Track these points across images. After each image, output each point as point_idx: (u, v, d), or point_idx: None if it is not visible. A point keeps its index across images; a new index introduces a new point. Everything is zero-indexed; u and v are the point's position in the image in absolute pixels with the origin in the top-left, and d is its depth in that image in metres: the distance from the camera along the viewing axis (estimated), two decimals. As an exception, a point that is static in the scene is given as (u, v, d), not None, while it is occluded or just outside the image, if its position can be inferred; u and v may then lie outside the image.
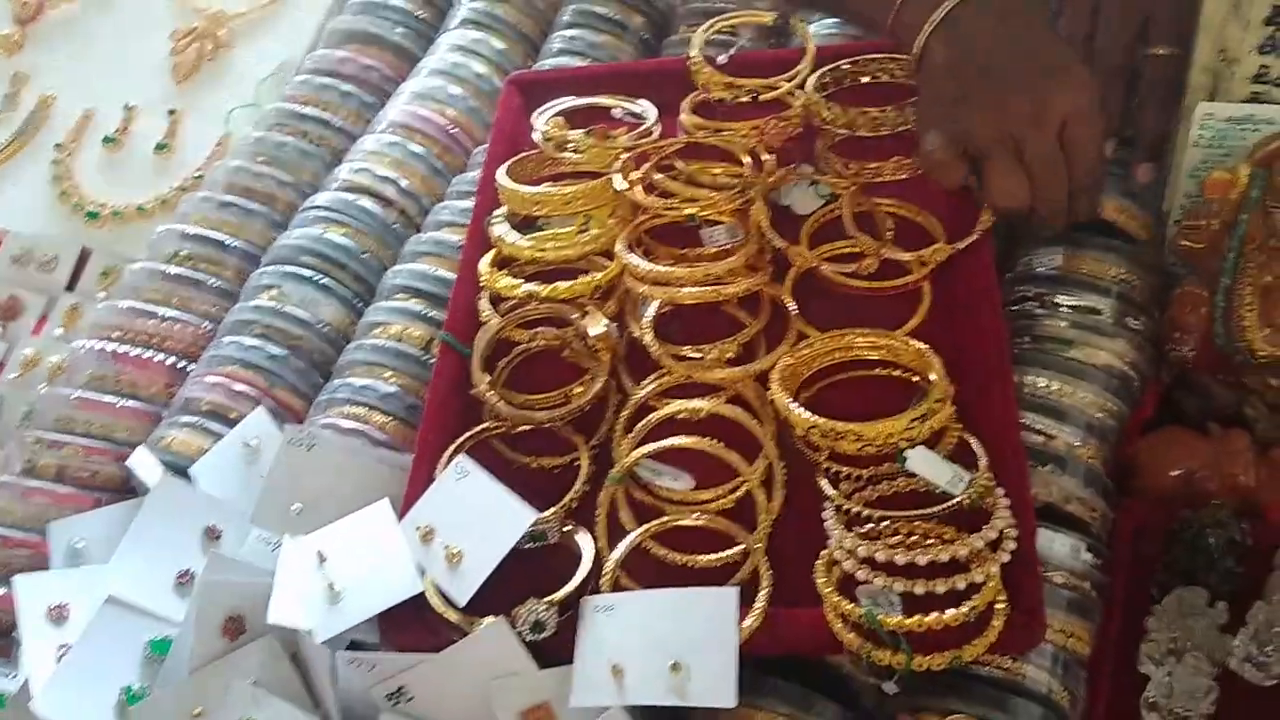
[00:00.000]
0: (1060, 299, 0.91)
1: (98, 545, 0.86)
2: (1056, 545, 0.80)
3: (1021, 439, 0.80)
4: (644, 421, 0.83)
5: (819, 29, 1.12)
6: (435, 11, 1.26)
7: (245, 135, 1.15)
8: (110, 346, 1.00)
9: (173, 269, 1.04)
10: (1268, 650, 0.78)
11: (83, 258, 1.17)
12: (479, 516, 0.78)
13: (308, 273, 1.02)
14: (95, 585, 0.82)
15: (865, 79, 1.03)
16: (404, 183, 1.08)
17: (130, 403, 0.98)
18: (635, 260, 0.88)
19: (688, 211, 0.91)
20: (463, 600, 0.76)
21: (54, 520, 0.90)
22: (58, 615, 0.81)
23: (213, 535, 0.85)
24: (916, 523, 0.76)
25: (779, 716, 0.75)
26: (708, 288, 0.86)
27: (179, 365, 1.01)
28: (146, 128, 1.25)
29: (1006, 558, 0.72)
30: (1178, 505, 0.85)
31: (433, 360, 0.96)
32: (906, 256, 0.89)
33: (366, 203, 1.06)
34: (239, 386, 0.95)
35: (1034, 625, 0.73)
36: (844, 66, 1.03)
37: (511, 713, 0.74)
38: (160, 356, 1.01)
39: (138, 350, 1.00)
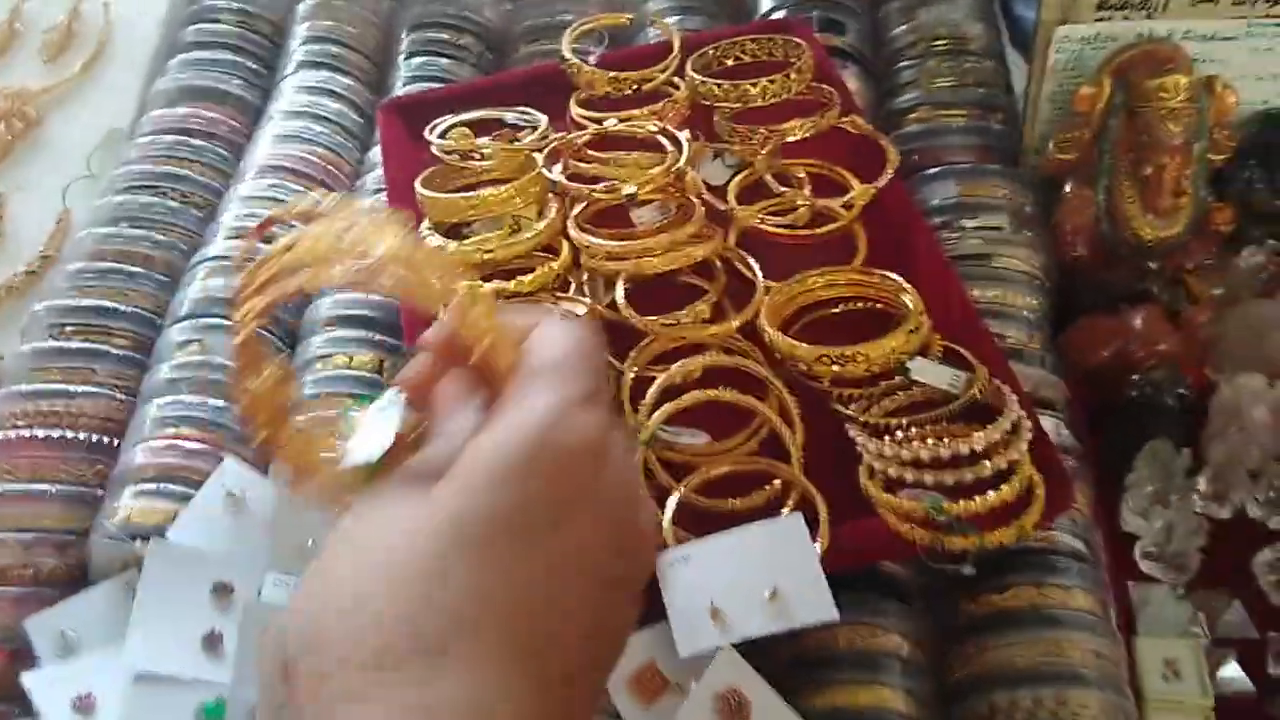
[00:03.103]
0: (965, 222, 1.00)
1: (91, 630, 0.78)
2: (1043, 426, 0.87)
3: (992, 339, 0.88)
4: (651, 390, 0.84)
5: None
6: (264, 62, 1.23)
7: (96, 204, 1.07)
8: (19, 433, 0.91)
9: (68, 344, 0.96)
10: (1229, 483, 0.88)
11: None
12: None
13: (226, 322, 0.96)
14: (113, 667, 0.74)
15: (730, 61, 1.10)
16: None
17: (57, 488, 0.89)
18: (596, 240, 0.90)
19: (626, 191, 0.94)
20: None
21: (5, 625, 0.81)
22: (85, 706, 0.73)
23: (225, 591, 0.79)
24: (933, 425, 0.81)
25: (865, 625, 0.77)
26: (677, 253, 0.89)
27: (98, 440, 0.93)
28: (-35, 216, 1.15)
29: (1029, 436, 0.79)
30: (1112, 379, 0.94)
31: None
32: (834, 204, 0.95)
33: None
34: (192, 445, 0.88)
35: (1066, 491, 0.80)
36: (709, 52, 1.09)
37: (620, 679, 0.73)
38: (74, 434, 0.92)
39: (48, 432, 0.91)
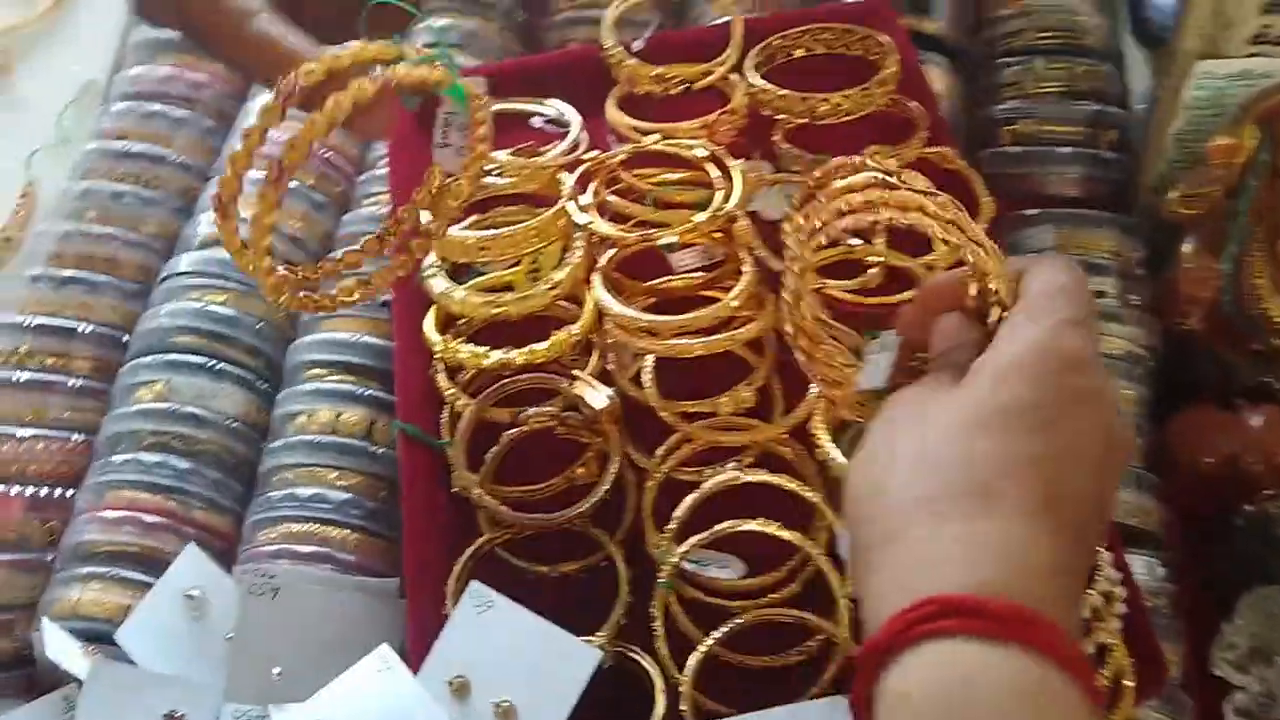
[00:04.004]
0: (1062, 284, 0.85)
1: (22, 761, 0.69)
2: (1135, 568, 0.75)
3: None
4: (679, 511, 0.71)
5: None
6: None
7: (62, 187, 0.94)
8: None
9: (17, 374, 0.84)
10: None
11: None
12: (522, 659, 0.66)
13: (194, 358, 0.84)
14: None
15: (799, 52, 0.93)
16: (285, 227, 0.91)
17: (3, 554, 0.79)
18: (624, 310, 0.76)
19: (664, 242, 0.79)
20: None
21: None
22: None
23: (175, 722, 0.69)
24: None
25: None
26: (720, 336, 0.75)
27: (45, 494, 0.82)
28: (-81, 180, 1.01)
29: (1122, 610, 0.66)
30: (1219, 490, 0.81)
31: (379, 450, 0.81)
32: (914, 263, 0.80)
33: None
34: (150, 518, 0.77)
35: (1159, 674, 0.67)
36: (774, 42, 0.92)
37: None
38: (19, 489, 0.81)
39: (-14, 486, 0.80)
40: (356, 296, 0.62)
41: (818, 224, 0.54)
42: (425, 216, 0.66)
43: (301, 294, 0.60)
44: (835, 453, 0.71)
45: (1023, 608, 0.41)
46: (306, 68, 0.51)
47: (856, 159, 0.82)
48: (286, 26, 0.53)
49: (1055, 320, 0.47)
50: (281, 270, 0.60)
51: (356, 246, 0.65)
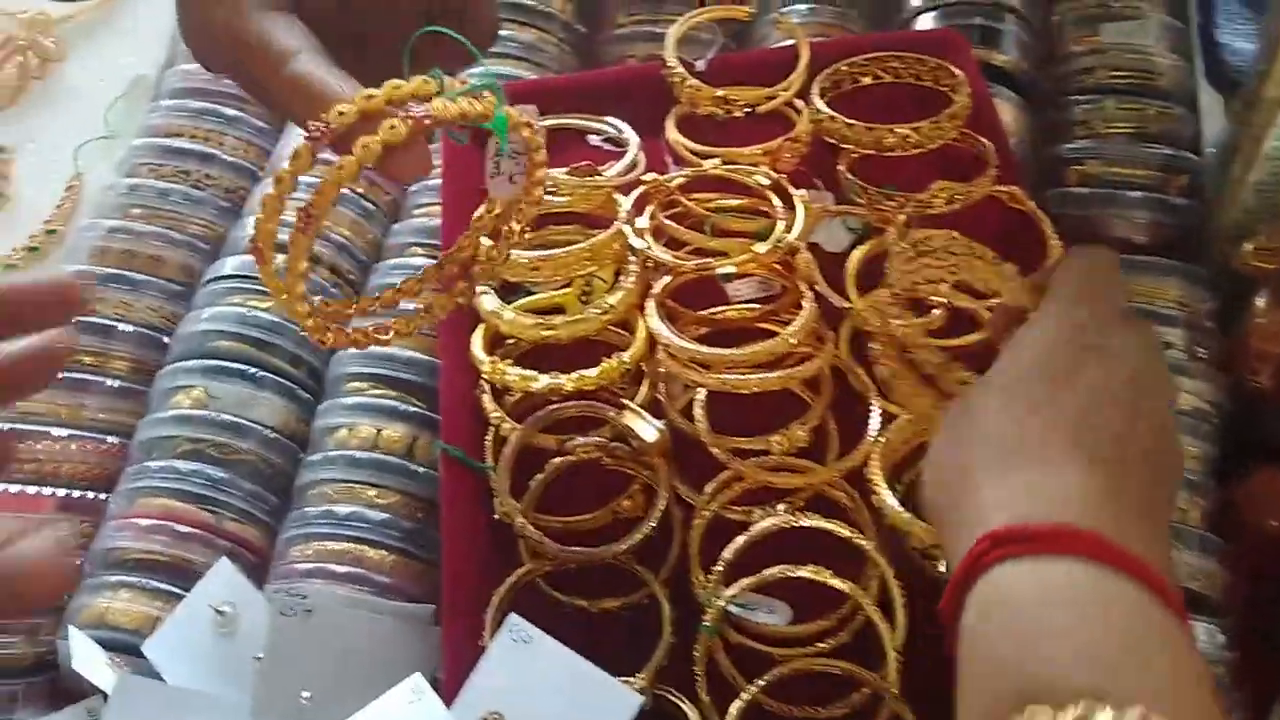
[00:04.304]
0: (1128, 334, 0.82)
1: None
2: (1196, 635, 0.72)
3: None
4: (727, 553, 0.69)
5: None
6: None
7: (108, 181, 0.92)
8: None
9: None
10: None
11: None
12: (560, 698, 0.64)
13: (234, 364, 0.82)
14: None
15: (866, 79, 0.91)
16: (335, 233, 0.89)
17: (29, 557, 0.77)
18: (679, 341, 0.74)
19: (722, 272, 0.77)
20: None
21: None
22: None
23: (199, 742, 0.67)
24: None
25: None
26: (777, 374, 0.72)
27: (80, 496, 0.80)
28: (-38, 169, 1.00)
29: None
30: (1284, 558, 0.78)
31: (419, 469, 0.79)
32: (979, 306, 0.78)
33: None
34: (183, 528, 0.75)
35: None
36: (842, 69, 0.90)
37: None
38: (51, 490, 0.79)
39: (21, 487, 0.79)
40: (412, 329, 0.59)
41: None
42: (486, 242, 0.63)
43: (351, 329, 0.57)
44: (891, 500, 0.69)
45: (1059, 526, 0.46)
46: (338, 109, 0.48)
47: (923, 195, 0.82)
48: (327, 67, 0.50)
49: (1057, 299, 0.55)
50: (318, 301, 0.57)
51: (397, 284, 0.62)
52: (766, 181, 0.81)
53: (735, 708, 0.65)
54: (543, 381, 0.74)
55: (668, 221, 0.81)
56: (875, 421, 0.73)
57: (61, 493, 0.79)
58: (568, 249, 0.78)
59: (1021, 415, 0.51)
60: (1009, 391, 0.53)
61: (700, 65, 0.90)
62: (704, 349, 0.73)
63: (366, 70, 0.52)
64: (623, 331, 0.78)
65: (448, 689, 0.66)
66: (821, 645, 0.68)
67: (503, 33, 0.99)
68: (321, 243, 0.88)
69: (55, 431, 0.81)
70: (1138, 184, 0.89)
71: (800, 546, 0.70)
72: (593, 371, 0.74)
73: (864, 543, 0.69)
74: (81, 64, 1.03)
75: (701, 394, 0.75)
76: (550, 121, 0.88)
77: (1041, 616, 0.44)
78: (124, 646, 0.72)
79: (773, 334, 0.76)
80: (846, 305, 0.77)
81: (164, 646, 0.71)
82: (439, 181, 0.90)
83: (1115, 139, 0.92)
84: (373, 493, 0.77)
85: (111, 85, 1.01)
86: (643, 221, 0.80)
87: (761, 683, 0.66)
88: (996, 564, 0.46)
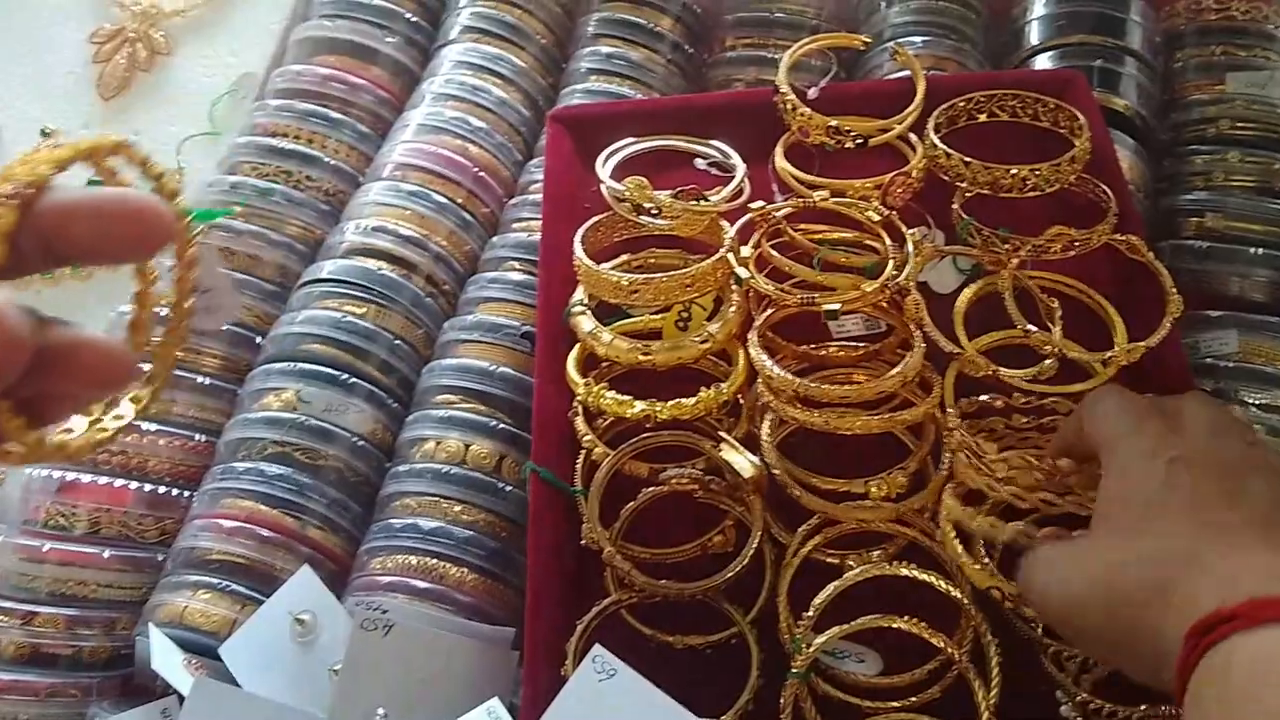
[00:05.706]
0: (1245, 394, 0.79)
1: (113, 772, 0.67)
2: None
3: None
4: (818, 599, 0.67)
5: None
6: (427, 12, 1.05)
7: (209, 178, 0.92)
8: (75, 475, 0.78)
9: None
10: None
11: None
12: (641, 735, 0.62)
13: (327, 370, 0.81)
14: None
15: (983, 116, 0.88)
16: (433, 243, 0.88)
17: (110, 551, 0.77)
18: (783, 374, 0.72)
19: (828, 309, 0.75)
20: None
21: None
22: None
23: (272, 752, 0.66)
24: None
25: None
26: (881, 417, 0.70)
27: (165, 492, 0.80)
28: (68, 158, 1.00)
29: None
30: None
31: (507, 487, 0.78)
32: (1091, 357, 0.75)
33: (387, 270, 0.86)
34: (266, 532, 0.75)
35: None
36: (959, 104, 0.87)
37: None
38: (136, 484, 0.79)
39: (109, 479, 0.78)
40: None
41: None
42: None
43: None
44: (965, 555, 0.66)
45: None
46: None
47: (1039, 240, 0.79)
48: None
49: (1118, 436, 0.58)
50: None
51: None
52: (878, 217, 0.79)
53: (821, 762, 0.63)
54: (638, 407, 0.72)
55: (773, 252, 0.79)
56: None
57: (147, 488, 0.79)
58: (669, 274, 0.76)
59: (1186, 512, 0.53)
60: (1151, 512, 0.54)
61: (813, 93, 0.88)
62: (810, 383, 0.71)
63: None
64: (719, 361, 0.77)
65: (525, 716, 0.65)
66: (912, 700, 0.65)
67: (610, 50, 0.98)
68: (419, 251, 0.87)
69: (144, 426, 0.80)
70: (1259, 240, 0.86)
71: (890, 593, 0.67)
72: (690, 401, 0.72)
73: (957, 593, 0.67)
74: (188, 59, 1.04)
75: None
76: (657, 142, 0.87)
77: None
78: (200, 647, 0.72)
79: (875, 373, 0.74)
80: (956, 351, 0.75)
81: (241, 650, 0.71)
82: (539, 197, 0.90)
83: (1237, 192, 0.89)
84: (459, 509, 0.76)
85: (217, 81, 1.01)
86: (747, 251, 0.78)
87: (850, 736, 0.64)
88: (1240, 633, 0.46)
